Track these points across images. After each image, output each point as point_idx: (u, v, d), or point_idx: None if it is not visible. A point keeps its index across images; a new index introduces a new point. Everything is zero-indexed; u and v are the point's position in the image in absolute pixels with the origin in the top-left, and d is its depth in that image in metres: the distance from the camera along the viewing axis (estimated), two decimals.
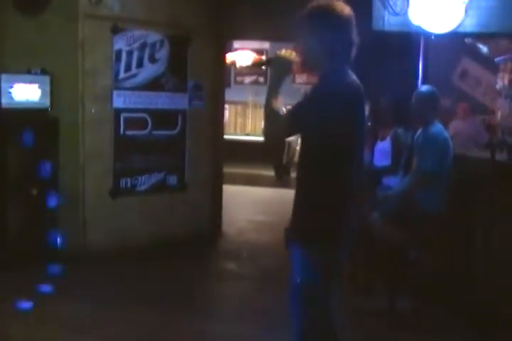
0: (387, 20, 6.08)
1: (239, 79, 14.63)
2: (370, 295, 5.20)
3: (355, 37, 2.83)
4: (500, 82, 9.77)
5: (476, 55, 10.94)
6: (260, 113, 14.42)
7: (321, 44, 2.80)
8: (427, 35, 6.16)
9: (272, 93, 2.90)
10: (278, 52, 2.97)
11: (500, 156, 4.77)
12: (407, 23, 5.96)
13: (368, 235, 4.78)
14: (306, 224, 2.85)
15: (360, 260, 5.41)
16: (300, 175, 2.96)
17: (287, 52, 2.94)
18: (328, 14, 2.78)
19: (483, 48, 10.34)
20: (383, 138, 5.68)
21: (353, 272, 5.48)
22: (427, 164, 4.66)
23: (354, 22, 2.82)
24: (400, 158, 5.37)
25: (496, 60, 9.99)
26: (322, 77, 2.86)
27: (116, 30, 6.16)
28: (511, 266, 4.51)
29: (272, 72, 3.01)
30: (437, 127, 4.85)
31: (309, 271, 2.86)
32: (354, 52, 2.85)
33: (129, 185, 6.42)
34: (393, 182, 5.28)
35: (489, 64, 10.68)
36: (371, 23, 6.04)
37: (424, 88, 5.17)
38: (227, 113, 11.66)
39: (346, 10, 2.81)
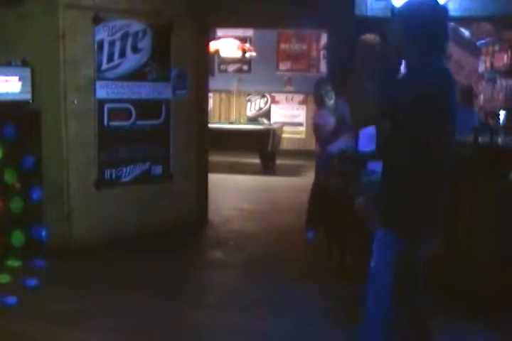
0: (369, 5, 6.07)
1: (222, 67, 14.56)
2: (358, 279, 5.21)
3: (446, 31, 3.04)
4: (483, 65, 9.82)
5: (459, 39, 10.95)
6: (244, 101, 14.40)
7: (414, 37, 2.95)
8: None
9: (358, 75, 3.00)
10: (362, 36, 3.05)
11: (483, 139, 4.80)
12: (389, 7, 5.95)
13: (354, 220, 4.80)
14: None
15: (348, 245, 5.43)
16: None
17: (370, 36, 3.00)
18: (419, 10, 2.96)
19: (466, 32, 10.35)
20: None
21: (340, 258, 5.53)
22: None
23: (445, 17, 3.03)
24: None
25: (478, 43, 10.03)
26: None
27: (97, 21, 6.09)
28: (496, 247, 4.55)
29: (357, 56, 3.08)
30: None
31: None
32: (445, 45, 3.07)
33: (113, 176, 6.39)
34: (378, 167, 5.27)
35: (471, 48, 10.72)
36: (353, 9, 6.03)
37: None
38: (211, 101, 11.60)
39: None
